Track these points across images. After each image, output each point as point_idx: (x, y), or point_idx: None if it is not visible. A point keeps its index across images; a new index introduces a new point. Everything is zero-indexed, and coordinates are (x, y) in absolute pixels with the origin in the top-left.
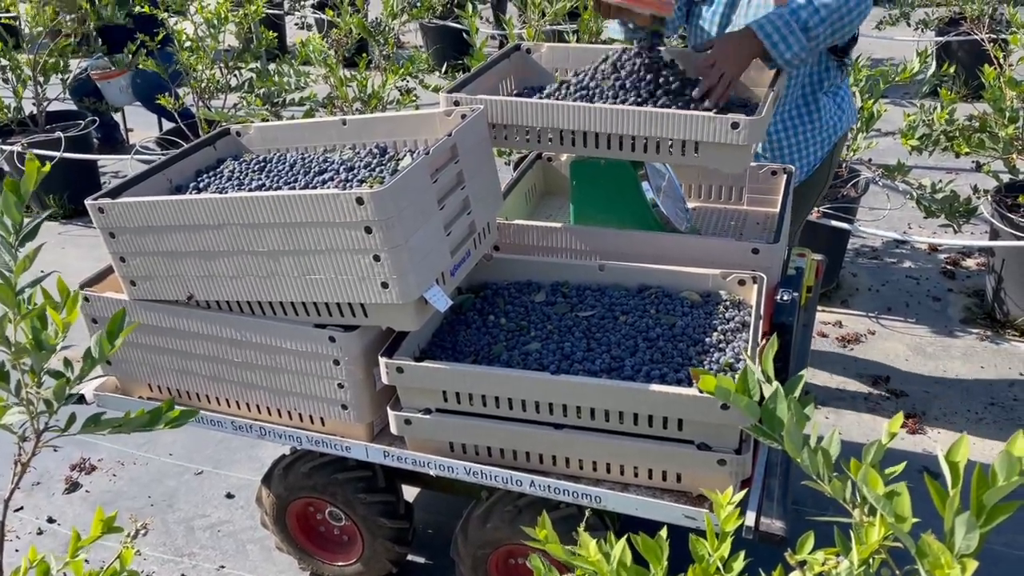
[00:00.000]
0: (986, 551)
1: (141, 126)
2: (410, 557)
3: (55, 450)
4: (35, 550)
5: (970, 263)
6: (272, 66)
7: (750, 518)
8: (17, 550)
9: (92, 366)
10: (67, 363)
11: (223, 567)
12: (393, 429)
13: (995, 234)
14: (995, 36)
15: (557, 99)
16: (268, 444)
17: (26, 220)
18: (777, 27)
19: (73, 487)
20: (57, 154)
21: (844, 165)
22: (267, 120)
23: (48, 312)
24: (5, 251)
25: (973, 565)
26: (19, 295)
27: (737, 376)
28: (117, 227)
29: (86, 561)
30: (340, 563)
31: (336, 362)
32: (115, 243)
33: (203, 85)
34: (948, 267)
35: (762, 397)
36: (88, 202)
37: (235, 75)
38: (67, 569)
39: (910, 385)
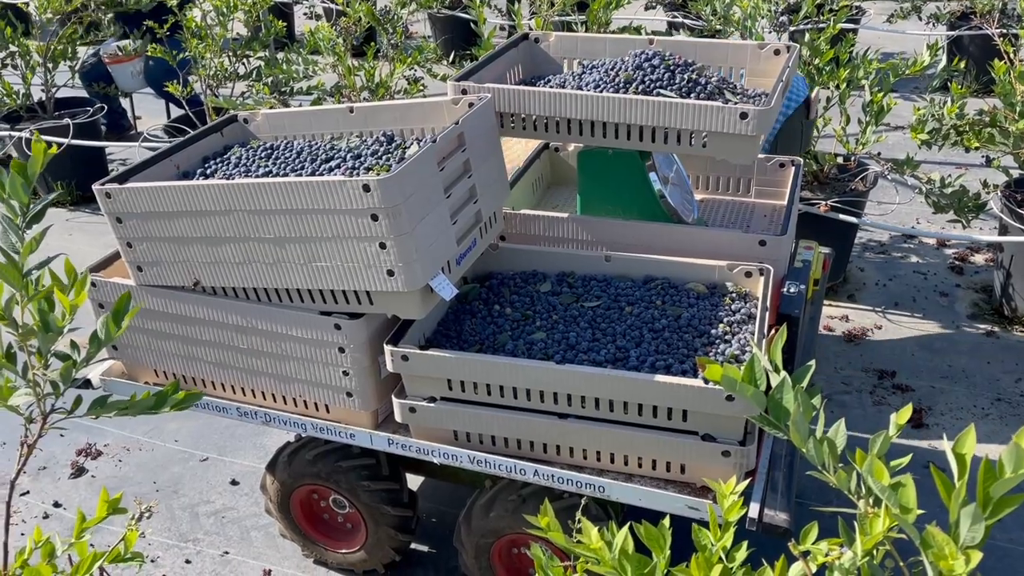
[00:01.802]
0: (990, 547)
1: (149, 113)
2: (413, 545)
3: (61, 435)
4: (40, 531)
5: (978, 258)
6: (280, 55)
7: (754, 510)
8: (23, 533)
9: (98, 348)
10: (74, 345)
11: (227, 553)
12: (398, 417)
13: (1004, 229)
14: (1005, 31)
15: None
16: (273, 432)
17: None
18: None
19: (79, 472)
20: (65, 140)
21: (853, 159)
22: (275, 108)
23: (56, 294)
24: (12, 232)
25: (977, 556)
26: (26, 277)
27: (743, 366)
28: (124, 212)
29: (90, 545)
30: (343, 550)
31: (341, 349)
32: (122, 228)
33: (211, 73)
34: (956, 262)
35: (768, 387)
36: (95, 187)
37: (243, 63)
38: (72, 551)
39: (916, 380)
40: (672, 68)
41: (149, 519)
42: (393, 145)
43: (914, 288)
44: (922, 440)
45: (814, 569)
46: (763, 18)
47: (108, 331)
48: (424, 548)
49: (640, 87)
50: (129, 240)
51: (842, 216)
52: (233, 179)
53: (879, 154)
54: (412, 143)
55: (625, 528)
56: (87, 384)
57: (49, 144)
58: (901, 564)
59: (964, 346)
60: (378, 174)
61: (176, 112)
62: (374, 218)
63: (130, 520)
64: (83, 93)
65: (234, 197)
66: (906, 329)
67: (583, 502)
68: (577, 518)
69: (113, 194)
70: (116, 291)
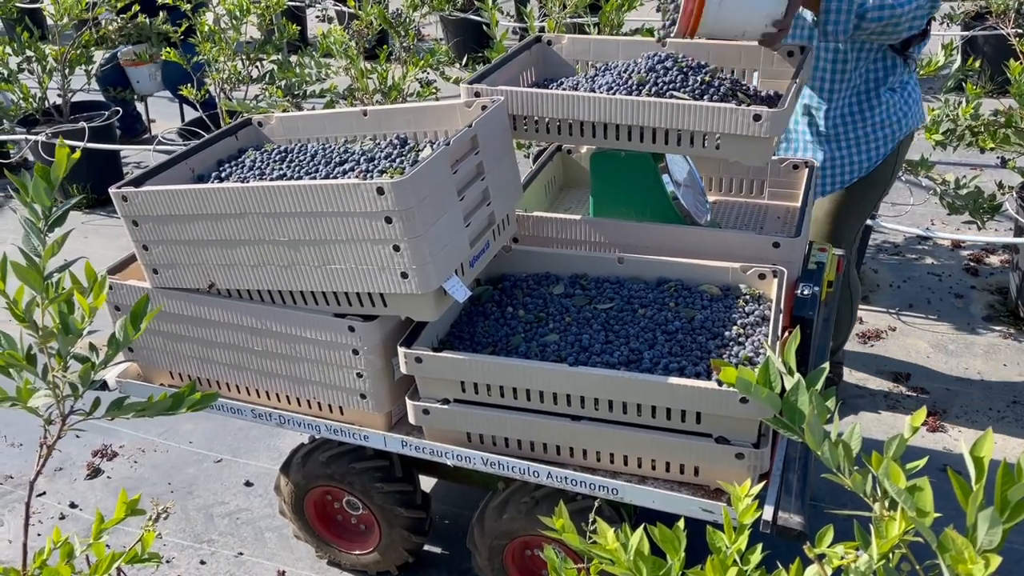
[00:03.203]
0: (1007, 551)
1: (163, 117)
2: (427, 547)
3: (77, 436)
4: (59, 531)
5: (993, 260)
6: (293, 58)
7: (768, 512)
8: (40, 534)
9: (117, 350)
10: (92, 348)
11: (241, 554)
12: (411, 419)
13: (1019, 231)
14: (1021, 31)
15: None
16: (287, 433)
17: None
18: (843, 7)
19: (95, 473)
20: (81, 144)
21: None
22: (288, 111)
23: (76, 297)
24: (35, 236)
25: (996, 560)
26: (47, 280)
27: (758, 368)
28: (140, 215)
29: (107, 546)
30: (357, 551)
31: (355, 351)
32: (138, 231)
33: (225, 76)
34: (971, 264)
35: (783, 390)
36: (112, 190)
37: (257, 67)
38: (89, 551)
39: (931, 383)
40: (685, 70)
41: (166, 519)
42: (407, 148)
43: (929, 290)
44: (937, 443)
45: (829, 572)
46: None
47: (126, 333)
48: (437, 550)
49: (653, 89)
50: (145, 243)
51: None
52: (248, 182)
53: None
54: (425, 146)
55: (640, 529)
56: (104, 386)
57: (72, 149)
58: (917, 568)
59: (979, 348)
60: (392, 177)
61: (190, 115)
62: (388, 221)
63: (147, 521)
64: (98, 97)
65: (249, 200)
66: (921, 331)
67: (596, 504)
68: (591, 519)
69: (129, 197)
70: (132, 294)
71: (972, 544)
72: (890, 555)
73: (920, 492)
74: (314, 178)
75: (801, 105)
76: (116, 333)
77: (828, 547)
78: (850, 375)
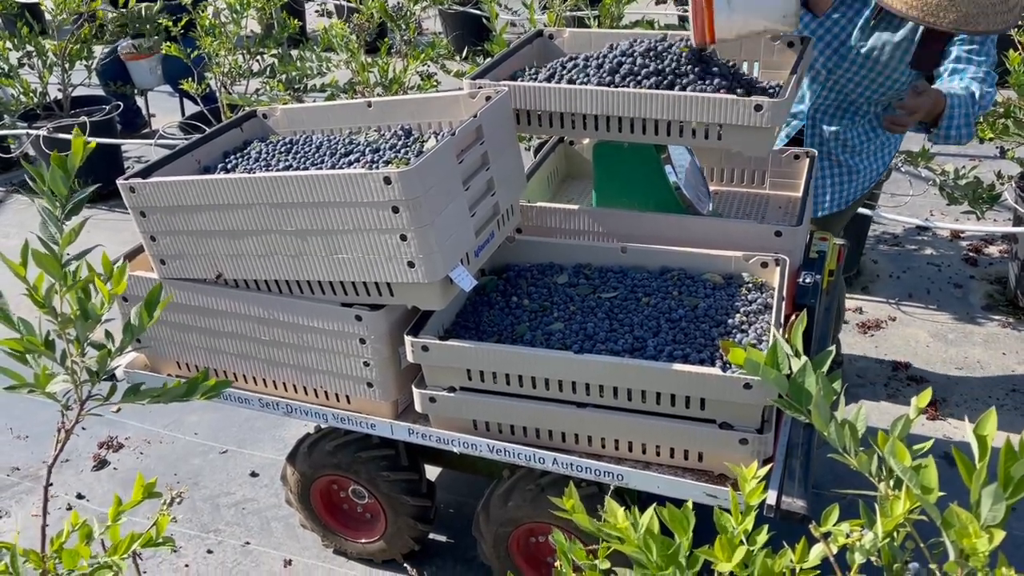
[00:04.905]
0: (1010, 537)
1: (163, 111)
2: (432, 535)
3: (84, 428)
4: (77, 515)
5: (993, 250)
6: (294, 52)
7: (771, 496)
8: (47, 525)
9: (132, 337)
10: (108, 335)
11: (248, 543)
12: (418, 407)
13: (1018, 220)
14: (1021, 22)
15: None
16: (291, 424)
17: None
18: (964, 112)
19: (101, 464)
20: (82, 138)
21: None
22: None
23: (95, 283)
24: (52, 224)
25: (1000, 535)
26: (65, 267)
27: (766, 350)
28: (148, 206)
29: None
30: (363, 540)
31: (362, 340)
32: (146, 222)
33: (225, 70)
34: (970, 254)
35: (790, 373)
36: (120, 182)
37: (257, 61)
38: (105, 536)
39: (931, 372)
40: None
41: (179, 504)
42: (411, 139)
43: (928, 280)
44: (937, 431)
45: (835, 550)
46: None
47: (141, 320)
48: (442, 538)
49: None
50: (153, 234)
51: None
52: (254, 173)
53: None
54: (430, 137)
55: (651, 509)
56: (112, 376)
57: (87, 140)
58: (922, 545)
59: (978, 337)
60: (397, 167)
61: (191, 110)
62: (395, 210)
63: (162, 505)
64: (99, 92)
65: (256, 190)
66: (920, 320)
67: (611, 488)
68: (606, 504)
69: (137, 188)
70: (140, 284)
71: (976, 520)
72: (895, 533)
73: (925, 470)
74: (320, 169)
75: (818, 138)
76: (131, 320)
77: (834, 526)
78: (850, 364)
